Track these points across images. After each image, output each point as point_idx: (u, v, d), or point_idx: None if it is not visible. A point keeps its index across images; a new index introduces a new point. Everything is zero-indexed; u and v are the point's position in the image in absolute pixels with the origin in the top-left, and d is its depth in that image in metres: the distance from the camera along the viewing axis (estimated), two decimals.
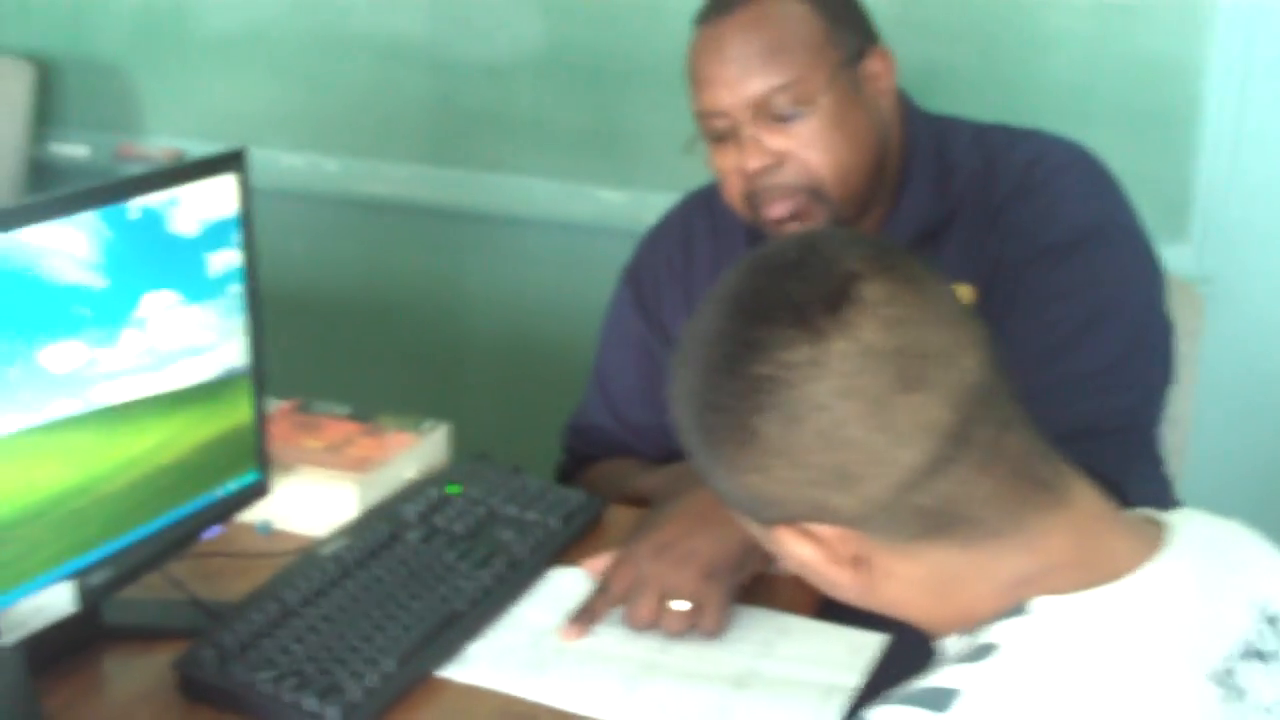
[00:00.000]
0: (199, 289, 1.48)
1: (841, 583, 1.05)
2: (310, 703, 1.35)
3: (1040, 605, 0.98)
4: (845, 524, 1.01)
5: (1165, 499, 1.79)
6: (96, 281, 1.37)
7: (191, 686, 1.40)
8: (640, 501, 1.79)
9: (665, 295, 1.89)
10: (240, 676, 1.38)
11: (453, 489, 1.72)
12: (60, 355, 1.34)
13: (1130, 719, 0.94)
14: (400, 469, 1.75)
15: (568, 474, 1.96)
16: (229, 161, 1.49)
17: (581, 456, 1.97)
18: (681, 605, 1.50)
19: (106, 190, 1.38)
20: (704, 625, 1.50)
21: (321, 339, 2.96)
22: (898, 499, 0.98)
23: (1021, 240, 1.68)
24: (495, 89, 2.85)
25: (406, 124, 2.91)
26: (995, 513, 1.00)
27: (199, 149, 3.01)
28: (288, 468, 1.68)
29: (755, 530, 1.08)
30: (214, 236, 1.48)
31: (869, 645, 1.51)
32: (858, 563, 1.03)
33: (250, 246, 1.52)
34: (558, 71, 2.81)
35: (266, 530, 1.68)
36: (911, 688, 0.97)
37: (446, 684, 1.44)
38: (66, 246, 1.34)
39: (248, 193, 1.51)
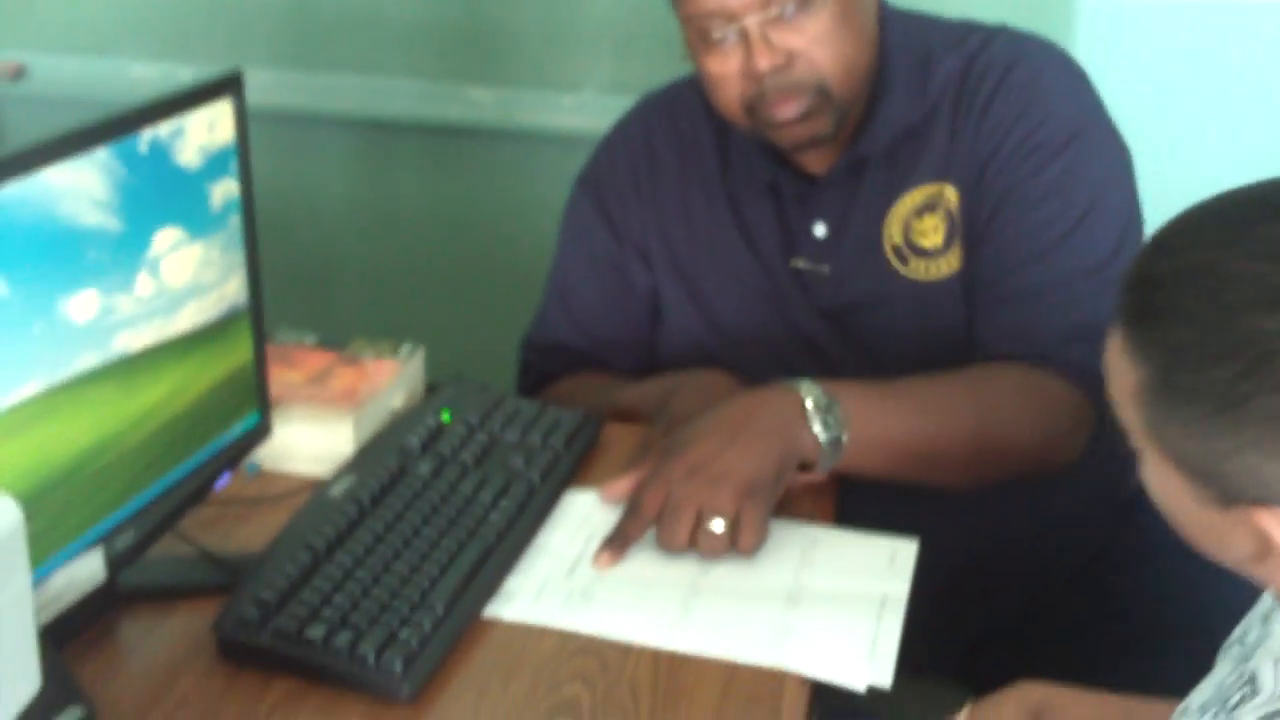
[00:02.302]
0: (203, 223, 1.37)
1: None
2: (369, 655, 1.29)
3: None
4: None
5: None
6: (111, 223, 1.26)
7: (234, 648, 1.32)
8: (622, 416, 1.75)
9: (631, 207, 1.83)
10: (288, 634, 1.31)
11: (446, 416, 1.65)
12: (81, 305, 1.23)
13: None
14: (389, 398, 1.66)
15: (528, 390, 1.90)
16: (226, 86, 1.39)
17: (542, 372, 1.91)
18: (719, 525, 1.47)
19: (116, 123, 1.26)
20: (742, 545, 1.46)
21: None
22: None
23: (1008, 140, 1.68)
24: None
25: (264, 27, 2.76)
26: None
27: (42, 61, 2.84)
28: (273, 405, 1.58)
29: (1188, 500, 1.02)
30: (214, 167, 1.38)
31: (906, 551, 1.50)
32: None
33: (247, 176, 1.42)
34: None
35: (255, 472, 1.59)
36: None
37: (495, 624, 1.38)
38: (82, 186, 1.22)
39: (244, 119, 1.41)
